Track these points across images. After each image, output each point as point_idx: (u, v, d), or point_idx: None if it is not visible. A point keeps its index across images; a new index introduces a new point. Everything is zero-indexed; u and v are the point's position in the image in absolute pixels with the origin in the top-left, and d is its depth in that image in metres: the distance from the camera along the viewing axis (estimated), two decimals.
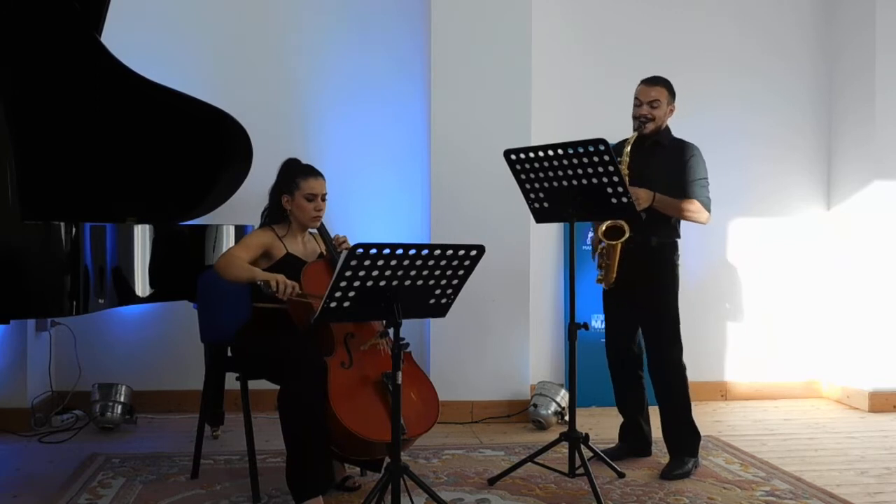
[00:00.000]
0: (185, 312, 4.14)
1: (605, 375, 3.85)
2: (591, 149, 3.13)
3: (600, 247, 3.56)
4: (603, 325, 3.91)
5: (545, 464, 3.48)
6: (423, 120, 4.75)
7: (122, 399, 4.30)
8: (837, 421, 4.71)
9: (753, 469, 3.70)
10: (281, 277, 3.04)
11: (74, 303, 3.11)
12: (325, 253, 3.37)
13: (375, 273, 2.57)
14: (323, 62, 4.86)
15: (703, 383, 5.09)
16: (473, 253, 2.72)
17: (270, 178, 3.38)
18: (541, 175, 3.34)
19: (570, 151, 3.19)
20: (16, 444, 4.01)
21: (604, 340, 3.84)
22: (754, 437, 4.31)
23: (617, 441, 3.90)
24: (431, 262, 2.66)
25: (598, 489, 3.19)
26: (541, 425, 4.48)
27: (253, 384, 3.32)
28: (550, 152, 3.25)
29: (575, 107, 4.98)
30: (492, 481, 3.46)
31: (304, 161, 3.38)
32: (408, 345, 2.74)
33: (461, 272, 2.76)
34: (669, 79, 3.66)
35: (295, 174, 3.28)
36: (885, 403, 4.90)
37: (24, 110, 3.45)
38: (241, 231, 3.97)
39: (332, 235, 3.38)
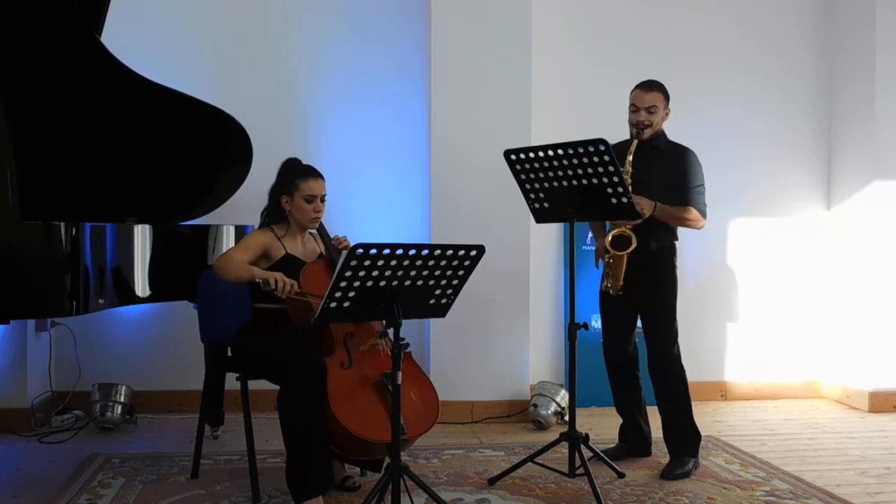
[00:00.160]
0: (185, 312, 4.14)
1: (604, 375, 3.85)
2: (592, 149, 3.13)
3: (607, 257, 3.56)
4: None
5: (545, 464, 3.48)
6: (423, 120, 4.75)
7: (122, 399, 4.30)
8: (837, 421, 4.71)
9: (753, 469, 3.70)
10: (279, 275, 3.04)
11: (74, 303, 3.11)
12: (324, 253, 3.37)
13: (375, 273, 2.57)
14: (323, 62, 4.86)
15: (703, 383, 5.09)
16: (473, 253, 2.72)
17: (270, 178, 3.38)
18: (541, 175, 3.34)
19: (570, 151, 3.19)
20: (16, 444, 4.01)
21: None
22: (754, 437, 4.31)
23: (617, 441, 3.90)
24: (431, 263, 2.66)
25: (598, 489, 3.19)
26: (541, 425, 4.48)
27: (253, 384, 3.32)
28: (550, 152, 3.25)
29: (575, 107, 4.98)
30: (492, 481, 3.46)
31: (304, 161, 3.38)
32: (408, 345, 2.74)
33: (461, 272, 2.76)
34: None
35: (294, 175, 3.27)
36: (885, 403, 4.90)
37: (24, 110, 3.45)
38: (241, 231, 3.97)
39: (332, 236, 3.38)
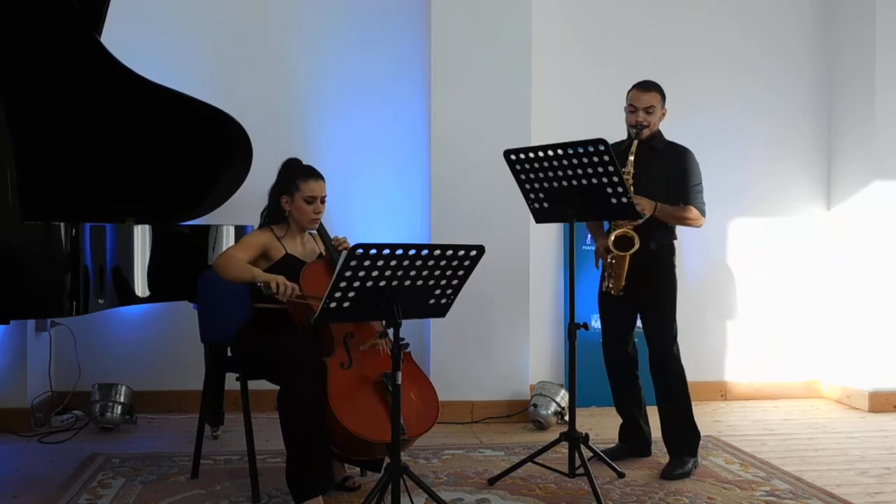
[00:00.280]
0: (185, 312, 4.14)
1: (604, 375, 3.85)
2: (591, 149, 3.13)
3: (609, 257, 3.56)
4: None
5: (545, 464, 3.48)
6: (423, 120, 4.75)
7: (121, 399, 4.29)
8: (837, 421, 4.71)
9: (753, 469, 3.70)
10: (281, 279, 3.04)
11: (74, 303, 3.11)
12: (324, 253, 3.36)
13: (375, 273, 2.57)
14: (323, 62, 4.86)
15: (703, 383, 5.09)
16: (473, 253, 2.72)
17: (270, 178, 3.38)
18: (541, 175, 3.34)
19: (570, 151, 3.19)
20: (16, 444, 4.01)
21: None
22: (754, 437, 4.31)
23: (617, 441, 3.90)
24: (431, 263, 2.66)
25: (598, 489, 3.19)
26: (541, 425, 4.48)
27: (253, 384, 3.32)
28: (550, 152, 3.24)
29: (575, 107, 4.98)
30: (492, 481, 3.46)
31: (304, 161, 3.38)
32: (407, 345, 2.74)
33: (461, 272, 2.76)
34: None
35: (295, 175, 3.27)
36: (885, 403, 4.90)
37: (24, 110, 3.45)
38: (241, 231, 3.97)
39: (332, 236, 3.38)
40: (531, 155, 3.30)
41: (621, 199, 3.22)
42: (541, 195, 3.41)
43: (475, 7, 4.60)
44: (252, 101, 4.63)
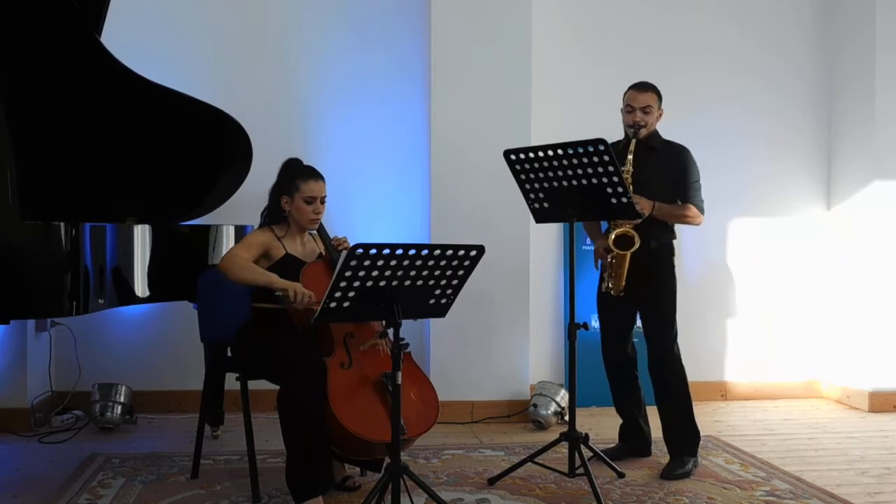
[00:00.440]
0: (185, 312, 4.14)
1: (604, 375, 3.85)
2: (591, 149, 3.13)
3: (609, 257, 3.56)
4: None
5: (545, 464, 3.48)
6: (423, 120, 4.75)
7: (121, 399, 4.30)
8: (837, 421, 4.71)
9: (753, 469, 3.70)
10: (298, 286, 3.04)
11: (74, 303, 3.11)
12: (324, 253, 3.36)
13: (375, 273, 2.57)
14: (323, 62, 4.86)
15: (703, 383, 5.09)
16: (473, 253, 2.72)
17: (270, 178, 3.38)
18: (541, 175, 3.34)
19: (570, 151, 3.19)
20: (16, 444, 4.01)
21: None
22: (754, 437, 4.31)
23: (617, 441, 3.90)
24: (431, 263, 2.66)
25: (598, 489, 3.19)
26: (541, 425, 4.48)
27: (253, 384, 3.32)
28: (550, 152, 3.25)
29: (575, 107, 4.98)
30: (492, 481, 3.46)
31: (304, 161, 3.38)
32: (407, 345, 2.74)
33: (461, 272, 2.76)
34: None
35: (295, 176, 3.27)
36: (885, 403, 4.90)
37: (24, 110, 3.45)
38: (241, 231, 3.97)
39: (332, 236, 3.38)
40: (531, 155, 3.30)
41: (621, 199, 3.22)
42: (541, 195, 3.41)
43: (475, 7, 4.61)
44: (252, 101, 4.64)
